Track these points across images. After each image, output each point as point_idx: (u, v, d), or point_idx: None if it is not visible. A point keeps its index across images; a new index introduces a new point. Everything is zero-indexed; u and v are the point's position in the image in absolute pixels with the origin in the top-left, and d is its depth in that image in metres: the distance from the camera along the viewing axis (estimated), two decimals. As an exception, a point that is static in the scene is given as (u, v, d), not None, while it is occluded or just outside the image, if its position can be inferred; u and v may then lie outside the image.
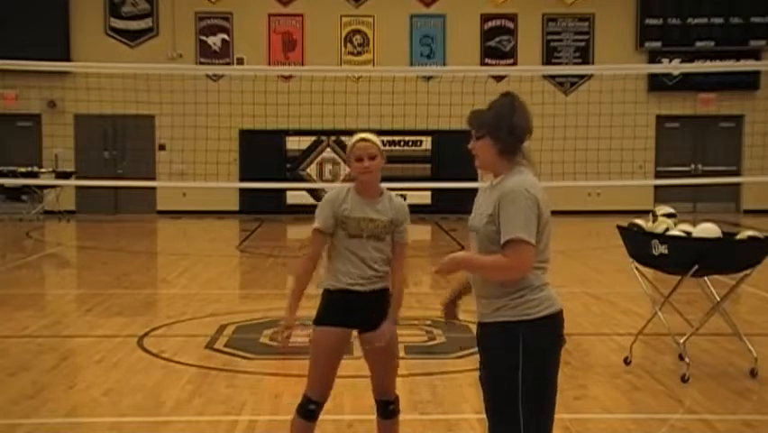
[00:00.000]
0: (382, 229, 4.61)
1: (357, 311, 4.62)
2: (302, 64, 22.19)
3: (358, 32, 22.69)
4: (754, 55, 22.47)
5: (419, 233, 19.70)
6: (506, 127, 3.67)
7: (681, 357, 7.12)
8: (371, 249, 4.60)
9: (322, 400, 4.77)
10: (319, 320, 4.69)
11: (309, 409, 4.75)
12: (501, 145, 3.68)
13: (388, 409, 4.80)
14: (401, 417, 5.93)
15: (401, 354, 7.75)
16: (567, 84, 22.30)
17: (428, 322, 8.95)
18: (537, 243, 3.60)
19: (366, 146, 4.59)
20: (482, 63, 22.44)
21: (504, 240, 3.56)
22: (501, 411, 3.68)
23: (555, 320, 3.68)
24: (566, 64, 22.56)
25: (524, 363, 3.59)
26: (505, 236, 3.56)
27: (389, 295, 4.70)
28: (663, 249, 6.95)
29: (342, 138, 21.94)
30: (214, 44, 22.48)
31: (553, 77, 22.08)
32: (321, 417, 5.85)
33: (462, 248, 15.89)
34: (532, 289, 3.63)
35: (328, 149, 22.20)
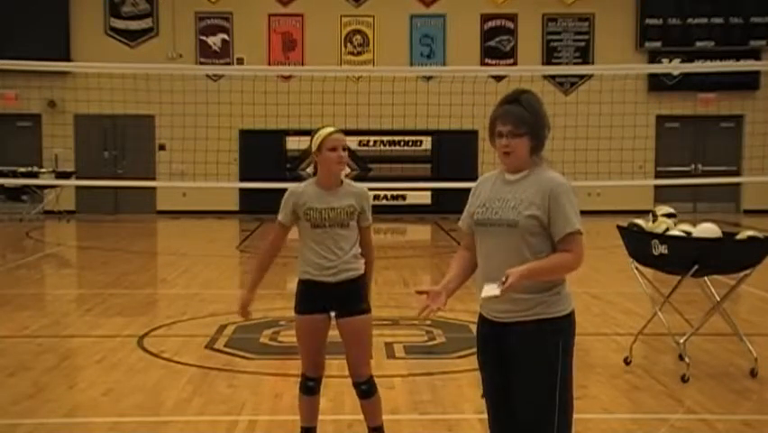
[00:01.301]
0: (345, 216, 4.91)
1: (328, 300, 4.94)
2: (302, 64, 22.18)
3: (358, 32, 22.68)
4: (754, 55, 22.46)
5: (419, 233, 19.71)
6: (542, 125, 3.73)
7: (681, 357, 7.11)
8: (337, 237, 4.89)
9: (317, 376, 5.13)
10: (295, 309, 5.04)
11: (308, 386, 5.13)
12: (536, 142, 3.72)
13: (361, 388, 5.08)
14: (401, 416, 5.96)
15: (401, 354, 7.79)
16: (567, 84, 22.30)
17: (428, 322, 8.95)
18: None
19: (340, 138, 4.95)
20: (482, 63, 22.43)
21: (566, 232, 3.61)
22: (538, 409, 3.67)
23: (574, 316, 3.76)
24: (566, 64, 22.56)
25: (562, 359, 3.65)
26: (567, 229, 3.61)
27: (362, 283, 4.99)
28: (663, 249, 6.95)
29: (343, 138, 21.91)
30: (214, 44, 22.48)
31: (553, 77, 22.07)
32: (321, 417, 5.85)
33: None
34: (562, 286, 3.70)
35: (328, 149, 22.18)
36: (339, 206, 4.92)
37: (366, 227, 5.02)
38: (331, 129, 5.00)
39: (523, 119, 3.68)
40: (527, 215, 3.62)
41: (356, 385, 5.11)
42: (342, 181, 5.02)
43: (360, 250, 4.99)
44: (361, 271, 4.99)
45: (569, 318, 3.70)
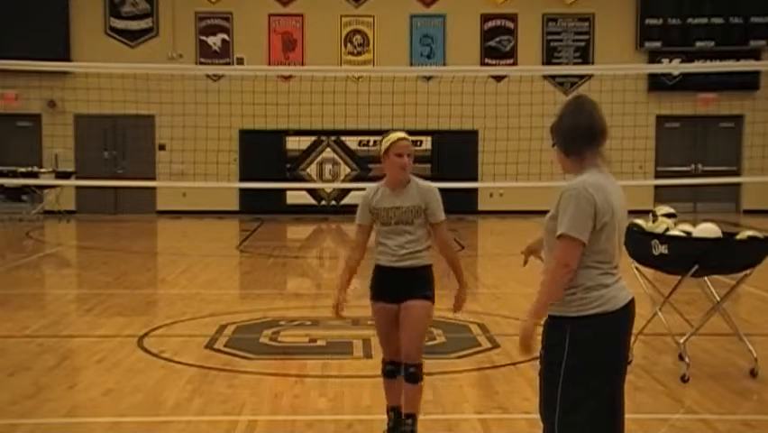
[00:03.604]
0: (409, 214, 5.20)
1: (396, 284, 5.22)
2: (302, 64, 22.18)
3: (358, 32, 22.68)
4: (754, 55, 22.45)
5: (419, 233, 19.71)
6: (562, 130, 3.87)
7: (681, 357, 7.11)
8: (402, 233, 5.20)
9: (395, 360, 5.33)
10: (371, 295, 5.36)
11: (388, 370, 5.38)
12: (563, 148, 3.87)
13: (408, 371, 5.24)
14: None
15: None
16: (567, 84, 22.29)
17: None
18: (592, 243, 3.72)
19: (407, 145, 5.23)
20: (482, 63, 22.43)
21: (557, 233, 3.74)
22: (545, 401, 3.81)
23: (605, 319, 3.76)
24: (566, 64, 22.54)
25: (567, 358, 3.72)
26: (558, 230, 3.73)
27: (431, 271, 5.28)
28: (663, 249, 6.95)
29: (343, 138, 21.94)
30: (214, 44, 22.47)
31: (553, 77, 22.06)
32: (321, 416, 5.87)
33: (463, 248, 15.87)
34: (584, 288, 3.75)
35: (328, 149, 22.20)
36: (403, 205, 5.20)
37: (436, 224, 5.24)
38: (400, 135, 5.24)
39: (551, 128, 3.92)
40: (548, 217, 3.84)
41: (405, 367, 5.26)
42: (409, 181, 5.24)
43: (428, 243, 5.25)
44: (428, 262, 5.26)
45: (582, 320, 3.73)
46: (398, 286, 5.21)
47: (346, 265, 5.39)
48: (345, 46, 22.63)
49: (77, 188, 20.99)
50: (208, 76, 20.96)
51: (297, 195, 22.10)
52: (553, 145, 3.92)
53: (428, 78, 20.86)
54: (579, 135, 3.84)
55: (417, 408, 5.30)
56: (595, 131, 3.85)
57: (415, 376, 5.22)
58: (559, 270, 3.70)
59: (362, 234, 5.35)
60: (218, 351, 7.90)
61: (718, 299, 7.32)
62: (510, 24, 22.77)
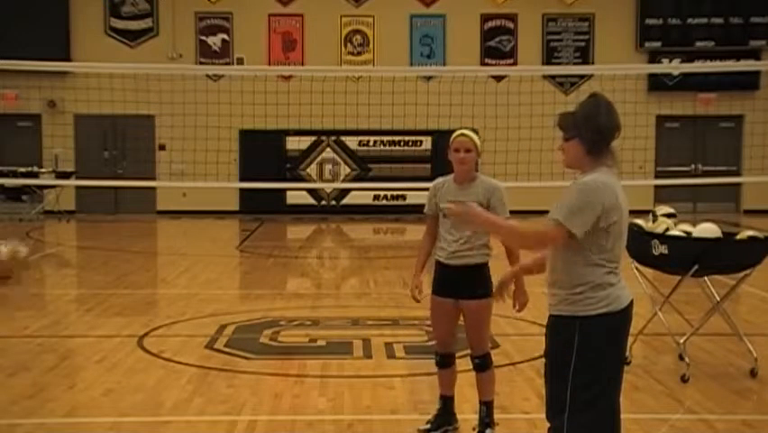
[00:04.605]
0: None
1: (451, 281, 5.36)
2: (302, 64, 22.17)
3: (358, 32, 22.68)
4: (754, 55, 22.44)
5: (419, 233, 19.71)
6: (592, 128, 3.86)
7: (681, 357, 7.11)
8: (462, 228, 5.26)
9: (446, 352, 5.54)
10: (432, 289, 5.49)
11: (437, 361, 5.57)
12: (588, 145, 3.87)
13: (474, 362, 5.50)
14: (401, 416, 5.97)
15: (401, 354, 7.79)
16: (567, 84, 22.28)
17: (428, 322, 8.94)
18: (600, 241, 3.76)
19: (464, 140, 5.42)
20: (482, 63, 22.41)
21: (549, 217, 3.77)
22: (553, 401, 3.84)
23: (611, 318, 3.81)
24: (566, 64, 22.52)
25: (576, 358, 3.75)
26: (551, 214, 3.76)
27: (486, 270, 5.36)
28: (663, 249, 6.95)
29: (343, 138, 21.93)
30: (214, 44, 22.47)
31: (553, 77, 22.05)
32: (321, 416, 5.87)
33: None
34: (592, 287, 3.80)
35: (328, 149, 22.20)
36: (466, 201, 5.23)
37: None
38: (460, 131, 5.46)
39: (571, 123, 3.91)
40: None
41: (471, 359, 5.52)
42: (475, 177, 5.41)
43: (487, 239, 5.32)
44: (481, 261, 5.34)
45: (590, 320, 3.77)
46: (452, 283, 5.35)
47: (419, 251, 5.58)
48: (345, 46, 22.62)
49: (77, 188, 20.97)
50: (208, 76, 20.95)
51: (297, 195, 22.09)
52: (566, 140, 3.91)
53: (428, 78, 20.86)
54: (609, 134, 3.87)
55: (492, 395, 5.49)
56: (617, 129, 3.91)
57: (481, 365, 5.44)
58: (536, 238, 3.83)
59: (430, 223, 5.54)
60: (218, 351, 7.90)
61: (718, 299, 7.32)
62: (510, 24, 22.76)
